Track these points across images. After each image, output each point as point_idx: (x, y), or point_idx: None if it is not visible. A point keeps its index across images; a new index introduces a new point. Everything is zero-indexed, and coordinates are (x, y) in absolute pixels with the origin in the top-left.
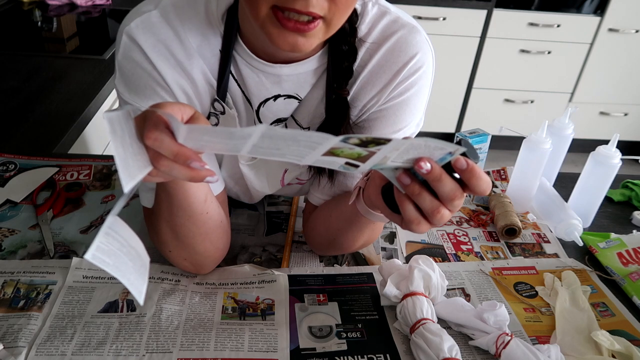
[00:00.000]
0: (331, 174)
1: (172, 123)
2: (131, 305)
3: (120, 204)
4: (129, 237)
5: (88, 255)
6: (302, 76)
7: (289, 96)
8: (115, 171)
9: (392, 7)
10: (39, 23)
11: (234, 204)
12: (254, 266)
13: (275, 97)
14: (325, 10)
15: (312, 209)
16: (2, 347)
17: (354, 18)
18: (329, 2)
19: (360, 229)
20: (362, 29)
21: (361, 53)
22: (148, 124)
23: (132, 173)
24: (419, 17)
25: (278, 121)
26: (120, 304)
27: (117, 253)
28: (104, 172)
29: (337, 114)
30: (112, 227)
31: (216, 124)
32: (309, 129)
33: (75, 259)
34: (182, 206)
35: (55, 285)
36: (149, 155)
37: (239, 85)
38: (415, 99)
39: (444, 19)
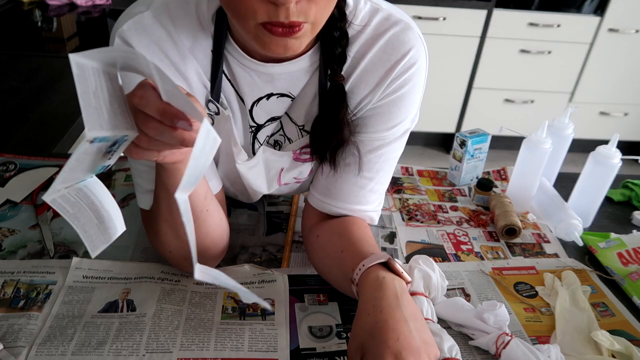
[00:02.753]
0: (333, 161)
1: (155, 79)
2: (131, 305)
3: (81, 148)
4: (105, 200)
5: (47, 197)
6: (294, 74)
7: (282, 94)
8: (116, 171)
9: (384, 4)
10: (39, 23)
11: (233, 203)
12: (254, 266)
13: (268, 96)
14: (307, 14)
15: (310, 209)
16: (2, 347)
17: (341, 2)
18: (309, 5)
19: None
20: (355, 26)
21: (354, 51)
22: (136, 86)
23: (102, 122)
24: (419, 17)
25: (272, 119)
26: (120, 304)
27: (83, 207)
28: (104, 172)
29: (333, 102)
30: (89, 186)
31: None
32: (303, 126)
33: (75, 259)
34: None
35: (55, 285)
36: (137, 121)
37: (232, 84)
38: (410, 96)
39: (444, 19)
